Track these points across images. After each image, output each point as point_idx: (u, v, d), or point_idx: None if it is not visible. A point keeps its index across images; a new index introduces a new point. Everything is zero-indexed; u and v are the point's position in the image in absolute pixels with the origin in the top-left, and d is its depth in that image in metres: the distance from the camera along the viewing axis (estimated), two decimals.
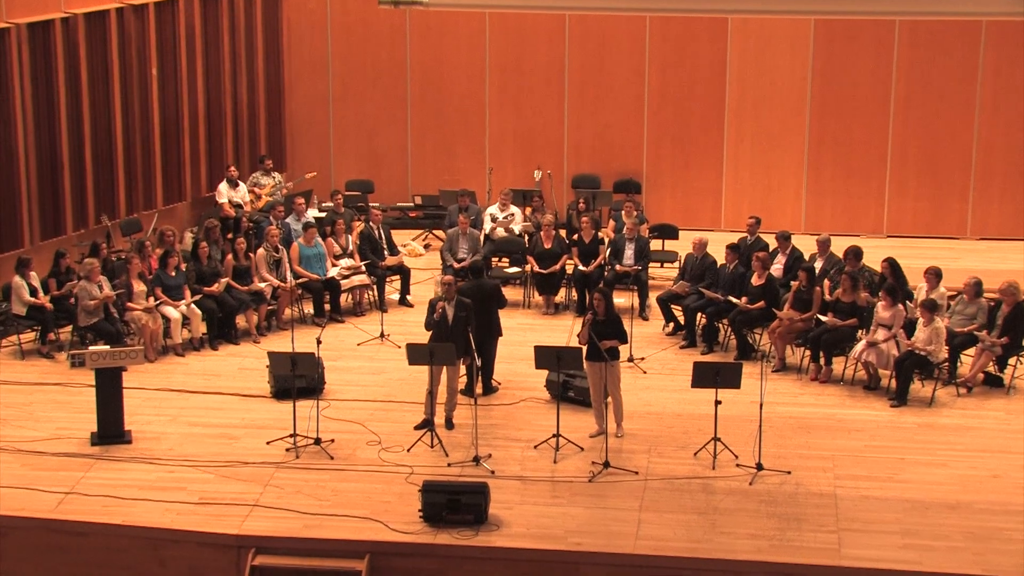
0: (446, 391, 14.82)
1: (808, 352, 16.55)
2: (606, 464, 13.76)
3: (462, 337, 14.54)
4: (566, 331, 18.10)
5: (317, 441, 14.30)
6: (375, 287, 19.03)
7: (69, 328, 17.16)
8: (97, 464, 13.96)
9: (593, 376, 14.42)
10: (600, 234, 19.41)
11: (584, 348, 14.41)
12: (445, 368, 14.62)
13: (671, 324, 17.96)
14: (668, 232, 20.58)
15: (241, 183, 21.22)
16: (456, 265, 18.98)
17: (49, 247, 18.41)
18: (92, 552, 12.80)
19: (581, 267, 18.78)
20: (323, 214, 20.89)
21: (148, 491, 13.33)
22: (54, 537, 12.88)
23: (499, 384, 16.05)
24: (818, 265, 17.58)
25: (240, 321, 17.93)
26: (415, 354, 14.37)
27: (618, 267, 18.59)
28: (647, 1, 17.78)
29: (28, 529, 12.88)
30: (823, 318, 16.35)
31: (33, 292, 16.99)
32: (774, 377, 16.23)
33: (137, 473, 13.75)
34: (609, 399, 14.45)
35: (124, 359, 14.53)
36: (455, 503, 12.62)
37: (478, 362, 14.49)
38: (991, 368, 16.05)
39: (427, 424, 14.54)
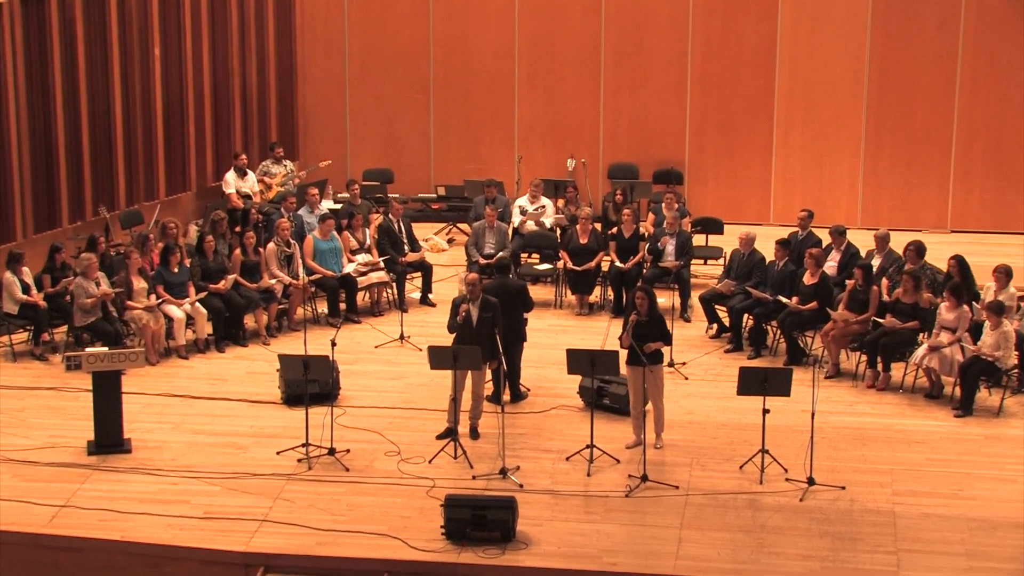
0: (471, 398, 14.80)
1: (864, 357, 16.47)
2: (644, 478, 13.71)
3: (488, 339, 14.51)
4: (601, 333, 18.06)
5: (331, 451, 14.30)
6: (394, 285, 19.04)
7: (64, 328, 17.23)
8: (94, 475, 13.99)
9: (634, 382, 14.37)
10: (642, 230, 19.37)
11: (622, 352, 14.36)
12: (470, 373, 14.60)
13: (715, 326, 17.91)
14: (712, 226, 20.52)
15: (250, 172, 21.28)
16: (482, 261, 18.96)
17: (43, 241, 18.48)
18: (88, 570, 12.82)
19: (618, 264, 18.74)
20: (338, 206, 20.92)
21: (149, 504, 13.35)
22: (47, 554, 12.91)
23: (528, 390, 16.02)
24: (876, 262, 17.51)
25: (248, 321, 17.95)
26: (437, 357, 14.35)
27: (659, 264, 18.53)
28: None
29: (19, 545, 12.91)
30: (881, 320, 16.27)
31: (26, 289, 17.05)
32: (827, 384, 16.16)
33: (137, 485, 13.77)
34: (648, 407, 14.41)
35: (123, 362, 14.56)
36: (480, 519, 12.59)
37: (505, 366, 14.45)
38: None
39: (450, 433, 14.53)
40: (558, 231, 20.17)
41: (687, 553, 12.52)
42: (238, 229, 19.37)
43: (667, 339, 14.49)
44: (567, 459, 14.31)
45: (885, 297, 16.63)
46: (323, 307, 18.74)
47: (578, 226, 19.09)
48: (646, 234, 19.33)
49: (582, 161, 22.64)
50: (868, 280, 16.68)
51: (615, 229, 19.28)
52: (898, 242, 17.82)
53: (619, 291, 18.76)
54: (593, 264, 18.87)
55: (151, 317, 16.94)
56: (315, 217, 19.23)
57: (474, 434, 14.84)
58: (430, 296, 19.30)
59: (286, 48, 23.32)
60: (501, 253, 19.05)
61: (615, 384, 15.35)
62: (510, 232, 19.91)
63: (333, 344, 14.83)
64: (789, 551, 12.55)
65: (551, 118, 23.34)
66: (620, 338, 14.36)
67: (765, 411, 13.85)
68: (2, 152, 18.36)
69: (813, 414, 13.77)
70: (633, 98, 23.07)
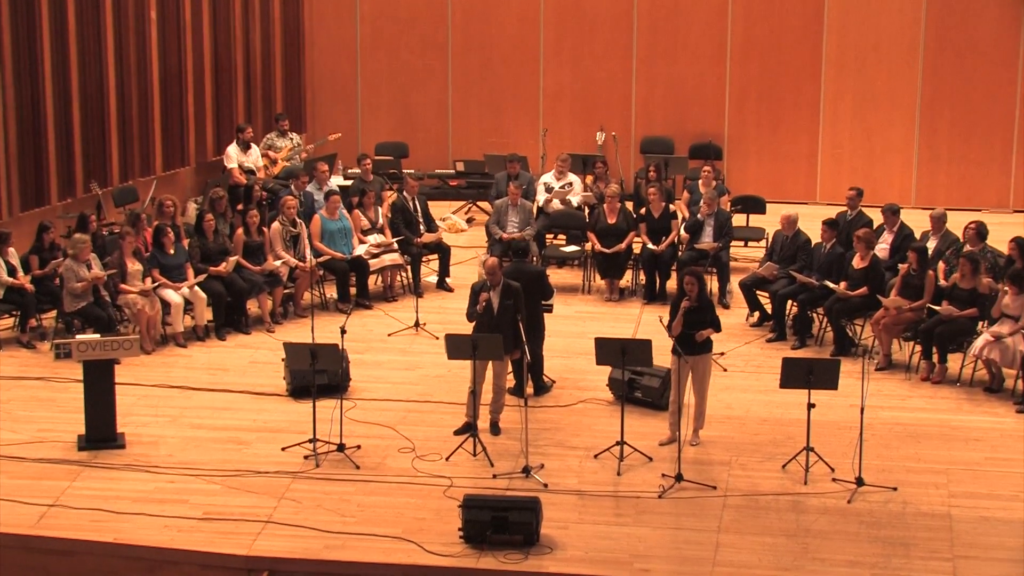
0: (492, 390, 14.82)
1: (918, 347, 16.44)
2: (679, 477, 13.72)
3: (510, 328, 14.53)
4: (632, 320, 18.06)
5: (340, 447, 14.33)
6: (409, 268, 19.06)
7: (53, 313, 17.29)
8: (85, 472, 14.04)
9: (677, 372, 14.35)
10: (673, 207, 19.35)
11: (656, 340, 14.36)
12: (491, 364, 14.62)
13: (756, 313, 17.91)
14: (753, 205, 20.51)
15: (254, 146, 21.32)
16: (505, 236, 18.96)
17: (30, 219, 18.54)
18: (79, 574, 12.87)
19: (650, 246, 18.74)
20: (349, 182, 20.96)
21: (144, 504, 13.40)
22: (35, 557, 12.95)
23: (553, 382, 16.03)
24: (931, 245, 17.47)
25: (252, 307, 18.00)
26: (455, 346, 14.36)
27: (695, 245, 18.53)
28: None
29: (5, 547, 12.96)
30: (937, 308, 16.23)
31: (11, 271, 17.11)
32: (878, 376, 16.14)
33: (131, 483, 13.82)
34: (686, 401, 14.40)
35: (116, 350, 14.60)
36: (501, 521, 12.61)
37: (527, 356, 14.46)
38: None
39: (469, 428, 14.55)
40: (586, 210, 20.16)
41: (725, 559, 12.52)
42: (240, 207, 19.41)
43: (717, 325, 14.48)
44: (595, 457, 14.32)
45: (942, 282, 16.59)
46: (332, 292, 18.78)
47: (607, 205, 19.08)
48: (680, 214, 19.32)
49: (612, 134, 22.62)
50: (923, 264, 16.64)
51: (644, 209, 19.25)
52: (956, 222, 17.77)
53: (651, 275, 18.76)
54: (623, 246, 18.86)
55: (146, 302, 16.99)
56: (324, 194, 19.26)
57: (495, 429, 14.85)
58: (447, 280, 19.32)
59: (293, 12, 23.34)
60: (526, 230, 19.05)
61: (647, 376, 15.35)
62: (535, 211, 19.90)
63: (343, 332, 14.85)
64: (836, 557, 12.54)
65: (579, 87, 23.34)
66: (670, 326, 14.34)
67: (810, 405, 13.83)
68: None
69: (862, 409, 13.75)
70: (668, 66, 23.04)
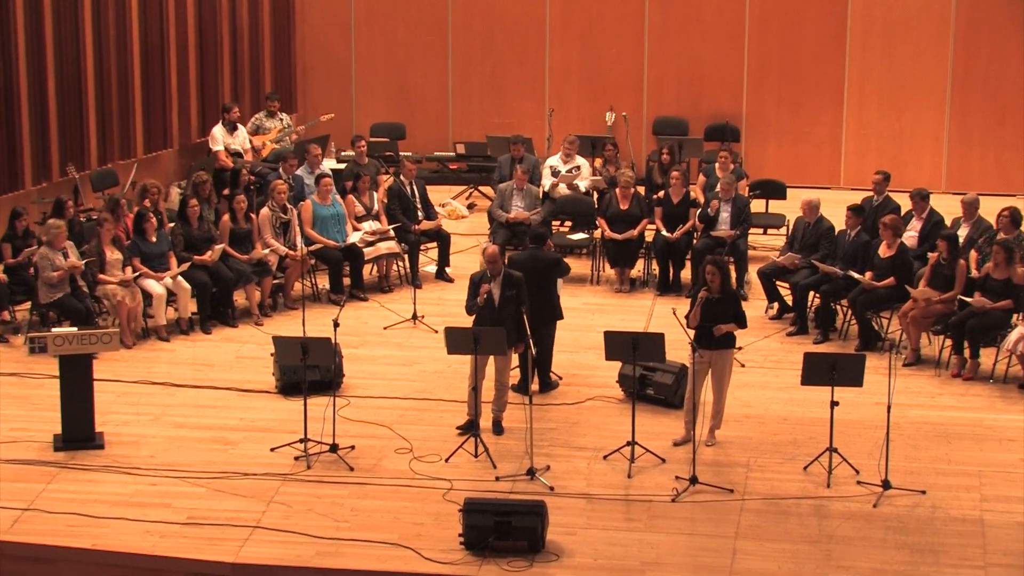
0: (494, 387, 14.80)
1: (949, 341, 16.44)
2: (693, 480, 13.71)
3: (513, 320, 14.51)
4: (644, 313, 18.05)
5: (333, 448, 14.33)
6: (406, 257, 19.06)
7: (27, 305, 17.27)
8: (61, 474, 14.04)
9: (697, 367, 14.31)
10: (692, 194, 19.32)
11: (671, 334, 14.34)
12: (493, 358, 14.60)
13: (776, 305, 17.90)
14: (773, 190, 20.49)
15: (241, 127, 21.29)
16: (510, 218, 18.93)
17: (3, 205, 18.53)
18: None
19: (664, 233, 18.71)
20: (342, 166, 20.94)
21: (124, 508, 13.39)
22: (9, 564, 12.95)
23: (560, 379, 16.02)
24: (962, 232, 17.45)
25: (239, 298, 18.00)
26: (456, 340, 14.35)
27: (711, 233, 18.51)
28: None
29: None
30: (968, 299, 16.21)
31: None
32: (906, 372, 16.14)
33: (111, 486, 13.81)
34: (703, 398, 14.38)
35: (95, 344, 14.58)
36: (505, 526, 12.60)
37: (533, 351, 14.44)
38: None
39: (470, 428, 14.54)
40: (595, 195, 20.15)
41: (743, 567, 12.51)
42: (227, 192, 19.39)
43: (741, 320, 14.43)
44: (605, 458, 14.31)
45: (974, 272, 16.57)
46: (324, 282, 18.77)
47: (618, 190, 19.05)
48: (697, 199, 19.30)
49: (623, 115, 22.59)
50: (954, 253, 16.61)
51: (661, 193, 19.25)
52: (989, 209, 17.75)
53: (665, 264, 18.74)
54: (635, 233, 18.85)
55: (127, 293, 16.97)
56: (315, 178, 19.23)
57: (497, 428, 14.84)
58: (447, 270, 19.31)
59: None
60: (532, 216, 19.04)
61: (660, 372, 15.34)
62: (540, 196, 19.87)
63: (336, 325, 14.84)
64: (861, 565, 12.53)
65: (587, 65, 23.31)
66: (687, 316, 14.32)
67: (834, 403, 13.82)
68: None
69: (889, 407, 13.73)
70: (682, 41, 23.00)
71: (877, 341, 16.85)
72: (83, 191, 19.44)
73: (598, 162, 20.82)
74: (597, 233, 19.30)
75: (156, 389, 15.96)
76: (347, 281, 18.63)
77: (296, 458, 14.26)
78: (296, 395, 15.01)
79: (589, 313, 17.98)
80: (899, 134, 22.60)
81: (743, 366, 16.40)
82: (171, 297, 17.40)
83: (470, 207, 22.27)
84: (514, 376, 15.39)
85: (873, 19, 22.39)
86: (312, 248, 18.37)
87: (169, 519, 13.18)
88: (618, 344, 14.32)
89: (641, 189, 19.99)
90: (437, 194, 21.01)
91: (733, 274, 18.08)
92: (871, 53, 22.49)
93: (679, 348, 14.63)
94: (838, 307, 17.34)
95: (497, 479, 13.88)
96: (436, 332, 16.86)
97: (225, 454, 14.43)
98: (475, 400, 14.58)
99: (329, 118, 22.41)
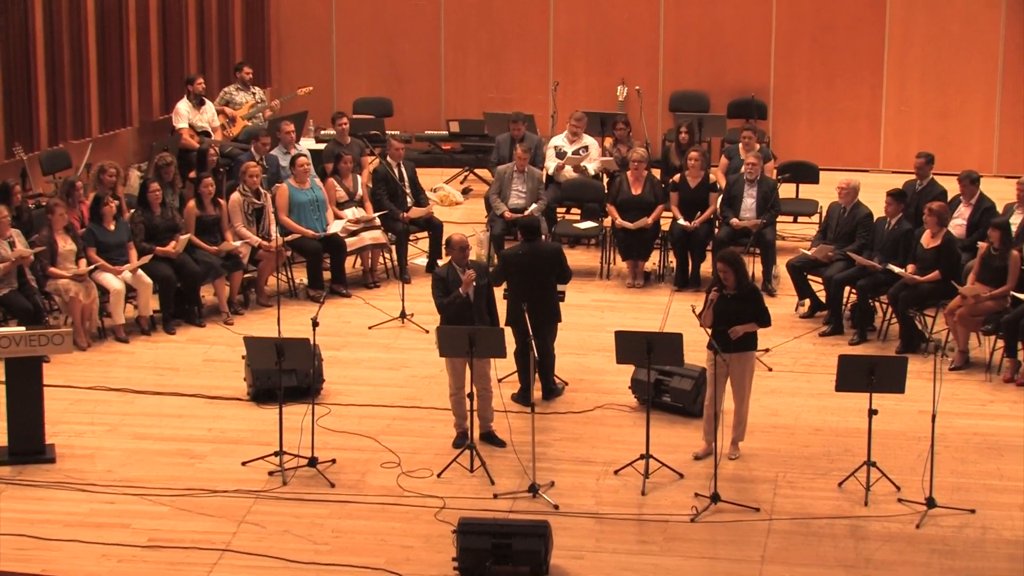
0: (477, 396, 14.65)
1: (1001, 343, 16.46)
2: (715, 497, 13.72)
3: (488, 314, 14.71)
4: (659, 310, 18.07)
5: (312, 462, 14.34)
6: (394, 248, 19.08)
7: None
8: (7, 491, 14.04)
9: (714, 372, 14.33)
10: (712, 177, 19.34)
11: (691, 334, 14.37)
12: (471, 362, 14.51)
13: (807, 302, 17.92)
14: (804, 173, 20.50)
15: (208, 102, 21.31)
16: (508, 214, 18.96)
17: None
18: None
19: (682, 221, 18.73)
20: (322, 146, 20.95)
21: (78, 529, 13.40)
22: None
23: (565, 384, 16.04)
24: (1016, 220, 17.47)
25: (206, 294, 18.02)
26: (449, 341, 14.35)
27: (734, 221, 18.52)
28: None
29: None
30: (1023, 295, 16.23)
31: None
32: (953, 377, 16.16)
33: (63, 504, 13.82)
34: (724, 406, 14.40)
35: (45, 345, 14.58)
36: (504, 549, 12.61)
37: (535, 352, 14.44)
38: None
39: (464, 440, 14.55)
40: (605, 179, 20.16)
41: None
42: (193, 175, 19.41)
43: (763, 319, 14.41)
44: (616, 473, 14.33)
45: None
46: (302, 276, 18.78)
47: (630, 172, 19.07)
48: (718, 183, 19.32)
49: (636, 89, 22.61)
50: (1006, 243, 16.63)
51: (678, 177, 19.26)
52: None
53: (683, 256, 18.75)
54: (650, 221, 18.87)
55: (81, 288, 16.98)
56: (291, 159, 19.23)
57: (492, 439, 14.83)
58: (439, 263, 19.31)
59: None
60: (534, 206, 19.05)
61: (678, 377, 15.35)
62: (544, 179, 19.89)
63: (315, 324, 14.86)
64: None
65: (596, 32, 23.33)
66: (699, 315, 14.34)
67: (872, 412, 13.84)
68: None
69: (934, 416, 13.73)
70: (703, 6, 23.02)
71: (920, 342, 16.87)
72: (32, 174, 19.43)
73: (608, 142, 20.83)
74: (607, 221, 19.31)
75: (113, 396, 15.97)
76: (327, 275, 18.65)
77: (270, 473, 14.28)
78: (271, 403, 15.02)
79: (598, 311, 17.99)
80: (945, 110, 22.62)
81: (770, 370, 16.43)
82: (130, 293, 17.41)
83: (465, 192, 22.29)
84: (513, 382, 15.41)
85: None
86: (288, 238, 18.38)
87: (128, 541, 13.18)
88: (631, 345, 14.32)
89: (656, 172, 20.01)
90: (428, 178, 21.02)
91: (759, 267, 18.18)
92: (914, 19, 22.51)
93: (699, 350, 14.62)
94: (877, 304, 17.35)
95: (495, 496, 13.89)
96: (427, 332, 16.88)
97: (191, 469, 14.44)
98: (459, 409, 14.58)
99: (307, 92, 22.41)
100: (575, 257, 19.61)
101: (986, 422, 15.38)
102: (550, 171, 20.19)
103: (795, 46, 22.95)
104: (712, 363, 14.31)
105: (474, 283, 14.67)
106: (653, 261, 19.30)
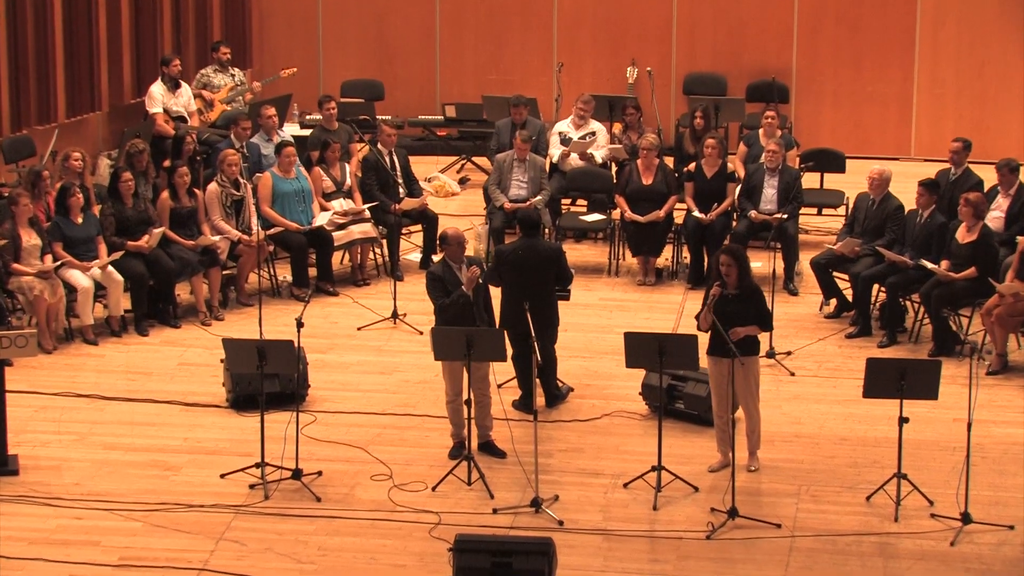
0: (474, 402, 14.66)
1: None
2: (732, 513, 13.73)
3: (486, 312, 14.73)
4: (672, 310, 18.08)
5: (296, 474, 14.35)
6: (385, 242, 19.08)
7: None
8: None
9: (718, 378, 14.36)
10: (730, 166, 19.34)
11: (702, 336, 14.37)
12: (468, 365, 14.52)
13: (833, 301, 17.93)
14: (830, 162, 20.50)
15: (184, 85, 21.31)
16: (508, 205, 18.96)
17: None
18: None
19: (697, 214, 18.74)
20: (307, 132, 20.96)
21: (43, 547, 13.40)
22: None
23: (571, 389, 16.04)
24: None
25: (182, 292, 18.02)
26: (445, 344, 14.36)
27: (753, 214, 18.53)
28: None
29: None
30: None
31: None
32: (990, 382, 16.17)
33: (27, 519, 13.83)
34: (739, 414, 14.41)
35: (8, 348, 14.60)
36: (504, 569, 12.62)
37: (539, 358, 14.44)
38: None
39: (461, 451, 14.55)
40: (613, 167, 20.17)
41: None
42: (167, 164, 19.41)
43: (765, 321, 14.44)
44: (625, 486, 14.34)
45: None
46: (286, 273, 18.79)
47: (641, 161, 19.08)
48: (737, 173, 19.33)
49: (648, 70, 22.62)
50: None
51: (693, 165, 19.27)
52: None
53: (698, 251, 18.77)
54: (662, 214, 18.87)
55: (46, 286, 16.98)
56: (275, 146, 19.25)
57: (490, 449, 14.84)
58: (434, 258, 19.31)
59: None
60: (536, 198, 19.06)
61: (692, 382, 15.36)
62: (547, 168, 19.90)
63: (299, 324, 14.86)
64: None
65: (604, 9, 23.34)
66: (698, 317, 14.35)
67: (903, 420, 13.84)
68: None
69: (970, 424, 13.74)
70: None
71: (955, 344, 16.88)
72: None
73: (617, 128, 20.84)
74: (616, 214, 19.32)
75: (82, 403, 15.99)
76: (313, 272, 18.66)
77: (252, 486, 14.29)
78: (252, 410, 15.03)
79: (606, 311, 18.01)
80: (982, 93, 22.63)
81: (792, 374, 16.44)
82: (100, 291, 17.42)
83: (462, 182, 22.30)
84: (513, 388, 15.42)
85: None
86: (271, 232, 18.39)
87: (98, 560, 13.19)
88: (641, 348, 14.32)
89: (669, 160, 20.02)
90: (422, 167, 21.04)
91: (780, 264, 18.18)
92: None
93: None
94: (908, 303, 17.36)
95: (495, 511, 13.90)
96: (421, 334, 16.89)
97: (165, 482, 14.45)
98: (456, 418, 14.59)
99: (291, 73, 22.43)
100: (581, 252, 19.64)
101: None
102: (554, 159, 20.21)
103: (820, 24, 22.95)
104: (713, 368, 14.30)
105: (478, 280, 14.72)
106: (665, 257, 19.31)
